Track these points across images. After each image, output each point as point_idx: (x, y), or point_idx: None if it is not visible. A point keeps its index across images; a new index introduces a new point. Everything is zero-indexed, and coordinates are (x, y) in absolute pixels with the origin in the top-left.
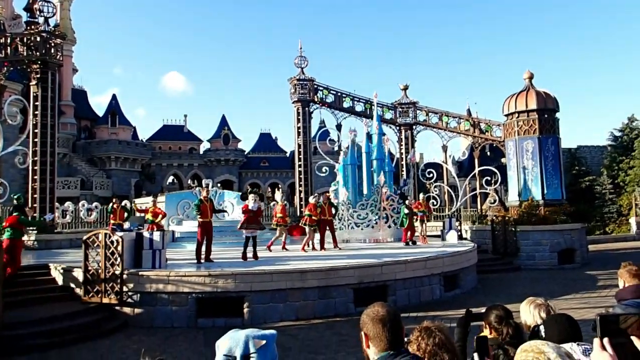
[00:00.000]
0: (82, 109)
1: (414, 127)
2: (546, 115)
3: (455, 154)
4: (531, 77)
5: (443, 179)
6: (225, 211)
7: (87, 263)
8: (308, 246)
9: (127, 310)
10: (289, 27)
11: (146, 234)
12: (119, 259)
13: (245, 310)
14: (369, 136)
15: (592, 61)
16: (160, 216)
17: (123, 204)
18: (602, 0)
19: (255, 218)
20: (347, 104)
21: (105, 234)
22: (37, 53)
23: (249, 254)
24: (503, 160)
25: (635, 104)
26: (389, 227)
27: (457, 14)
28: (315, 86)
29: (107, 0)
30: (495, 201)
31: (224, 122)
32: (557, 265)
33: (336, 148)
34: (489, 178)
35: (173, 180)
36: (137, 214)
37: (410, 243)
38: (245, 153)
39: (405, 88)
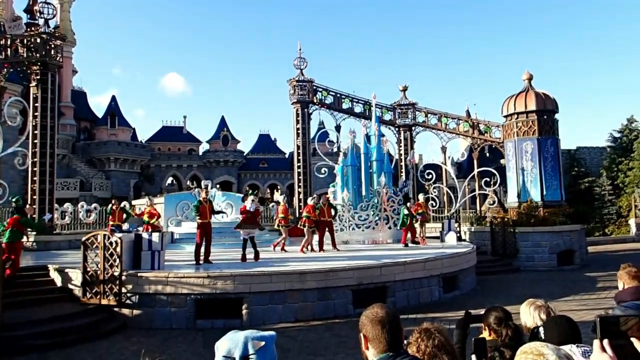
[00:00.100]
0: (81, 110)
1: (413, 128)
2: (545, 117)
3: (455, 155)
4: (530, 78)
5: (442, 180)
6: (224, 212)
7: (86, 264)
8: (307, 248)
9: (126, 311)
10: (288, 28)
11: (145, 235)
12: (117, 260)
13: (244, 311)
14: (367, 137)
15: (591, 62)
16: (156, 217)
17: (122, 205)
18: (601, 1)
19: (253, 219)
20: (346, 105)
21: (104, 235)
22: (37, 54)
23: (250, 255)
24: (502, 161)
25: (634, 105)
26: (389, 228)
27: (456, 15)
28: (315, 87)
29: (106, 1)
30: (494, 202)
31: (223, 123)
32: (556, 267)
33: (335, 149)
34: (488, 179)
35: (172, 181)
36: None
37: (408, 244)
38: (245, 154)
39: (405, 89)
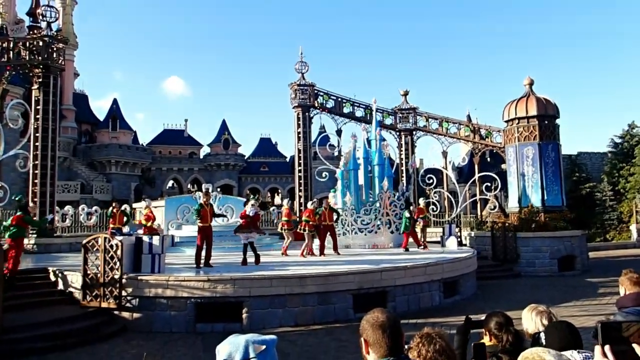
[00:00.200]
0: (83, 113)
1: (414, 132)
2: (546, 122)
3: (455, 159)
4: (531, 83)
5: (443, 185)
6: (225, 216)
7: (87, 267)
8: (307, 252)
9: (125, 314)
10: (289, 32)
11: (146, 238)
12: (118, 263)
13: (244, 315)
14: (368, 142)
15: (592, 67)
16: (151, 220)
17: (123, 208)
18: (603, 6)
19: (253, 223)
20: (347, 109)
21: (105, 238)
22: (40, 57)
23: (251, 259)
24: (503, 166)
25: (635, 110)
26: (392, 232)
27: (457, 20)
28: (316, 91)
29: (108, 4)
30: (495, 207)
31: (224, 127)
32: (557, 272)
33: (336, 153)
34: (489, 184)
35: (173, 184)
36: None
37: (408, 249)
38: (245, 158)
39: (406, 94)
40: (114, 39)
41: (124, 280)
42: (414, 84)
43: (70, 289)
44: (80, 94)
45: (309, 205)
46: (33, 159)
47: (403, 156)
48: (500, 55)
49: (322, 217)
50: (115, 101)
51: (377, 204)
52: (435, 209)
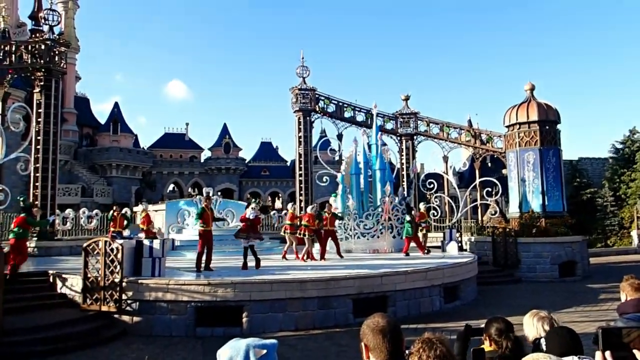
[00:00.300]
0: (84, 116)
1: (415, 137)
2: (547, 127)
3: (456, 164)
4: (532, 89)
5: (444, 190)
6: (224, 219)
7: (87, 270)
8: (307, 257)
9: (126, 318)
10: (291, 36)
11: (146, 242)
12: (118, 267)
13: (244, 319)
14: (369, 146)
15: (593, 73)
16: (147, 224)
17: (123, 211)
18: (603, 12)
19: (253, 227)
20: (348, 113)
21: (106, 241)
22: (42, 61)
23: (251, 263)
24: (504, 171)
25: (637, 116)
26: (394, 237)
27: (458, 25)
28: (317, 96)
29: (110, 8)
30: (496, 212)
31: (225, 131)
32: (558, 278)
33: (337, 158)
34: (489, 189)
35: (174, 188)
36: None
37: (408, 254)
38: (246, 162)
39: (407, 98)
40: (115, 42)
41: (124, 284)
42: (416, 88)
43: (71, 292)
44: (81, 97)
45: (309, 209)
46: (34, 162)
47: (404, 161)
48: (501, 61)
49: (325, 222)
50: (116, 104)
51: (380, 209)
52: (435, 213)
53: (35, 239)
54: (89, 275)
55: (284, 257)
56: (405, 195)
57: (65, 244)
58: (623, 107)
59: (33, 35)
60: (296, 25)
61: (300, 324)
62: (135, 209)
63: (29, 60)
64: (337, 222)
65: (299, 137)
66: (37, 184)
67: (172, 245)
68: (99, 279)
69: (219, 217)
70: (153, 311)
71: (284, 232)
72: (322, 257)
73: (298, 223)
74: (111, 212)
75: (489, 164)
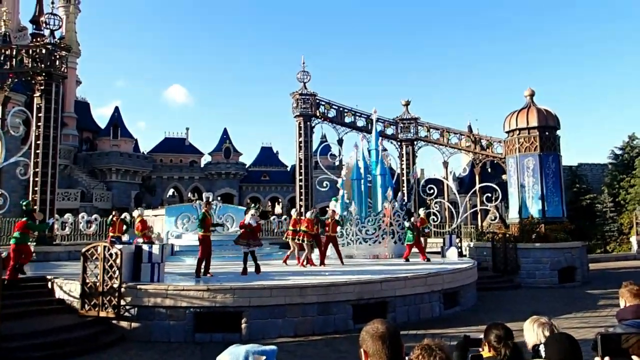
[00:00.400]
0: (84, 120)
1: (415, 142)
2: (547, 133)
3: (456, 170)
4: (532, 95)
5: (444, 195)
6: (222, 225)
7: (86, 276)
8: (306, 262)
9: (124, 324)
10: (292, 41)
11: (145, 247)
12: (117, 272)
13: (243, 325)
14: (369, 152)
15: (593, 79)
16: (143, 229)
17: (122, 216)
18: (603, 18)
19: (253, 234)
20: (348, 119)
21: (105, 246)
22: (42, 65)
23: (251, 269)
24: (504, 177)
25: (636, 121)
26: (395, 242)
27: (459, 31)
28: (317, 101)
29: (111, 13)
30: (495, 218)
31: (225, 136)
32: (557, 284)
33: (337, 163)
34: (489, 195)
35: (173, 193)
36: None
37: (408, 260)
38: (246, 167)
39: (407, 104)
40: (116, 47)
41: (123, 289)
42: (416, 94)
43: (69, 298)
44: (81, 101)
45: (308, 214)
46: (34, 167)
47: (404, 166)
48: (501, 67)
49: (326, 228)
50: (117, 109)
51: (382, 214)
52: (435, 219)
53: (34, 243)
54: (87, 281)
55: (284, 261)
56: (404, 200)
57: (64, 249)
58: (622, 113)
59: (34, 40)
60: (297, 30)
61: (299, 330)
62: (136, 213)
63: (30, 64)
64: (338, 228)
65: (300, 142)
66: (36, 188)
67: (172, 250)
68: (98, 284)
69: (217, 222)
70: (152, 317)
71: (286, 238)
72: (322, 263)
73: (299, 229)
74: (110, 217)
75: (489, 170)
